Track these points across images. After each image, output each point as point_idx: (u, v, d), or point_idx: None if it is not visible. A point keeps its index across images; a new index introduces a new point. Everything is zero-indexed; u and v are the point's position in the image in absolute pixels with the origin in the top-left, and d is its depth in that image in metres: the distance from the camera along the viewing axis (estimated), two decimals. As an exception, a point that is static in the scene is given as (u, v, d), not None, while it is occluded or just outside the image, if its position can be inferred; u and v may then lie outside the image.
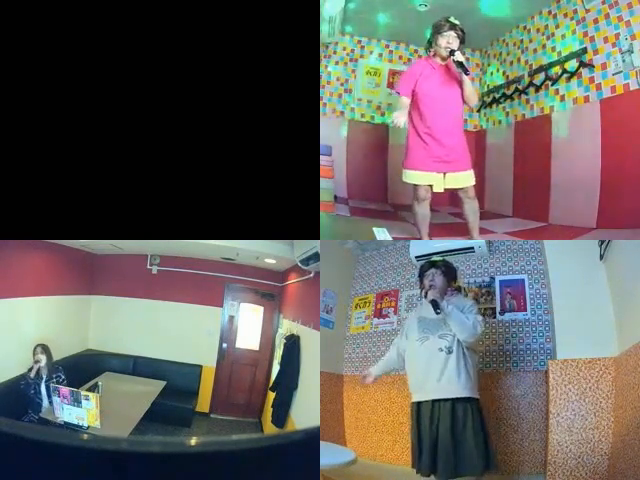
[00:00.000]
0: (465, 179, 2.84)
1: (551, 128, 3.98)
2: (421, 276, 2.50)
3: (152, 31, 1.92)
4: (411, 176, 2.83)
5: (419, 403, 2.34)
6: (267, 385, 4.74)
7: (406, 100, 2.78)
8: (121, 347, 4.82)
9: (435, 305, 2.29)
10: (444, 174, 2.80)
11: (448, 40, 2.66)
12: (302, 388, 3.60)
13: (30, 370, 3.20)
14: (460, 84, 2.75)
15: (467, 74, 2.67)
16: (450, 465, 2.13)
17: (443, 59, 2.74)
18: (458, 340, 2.27)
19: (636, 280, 2.18)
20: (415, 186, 2.86)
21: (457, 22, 2.67)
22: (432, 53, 2.77)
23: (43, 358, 3.23)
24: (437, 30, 2.70)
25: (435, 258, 2.61)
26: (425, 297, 2.38)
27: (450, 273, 2.49)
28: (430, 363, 2.30)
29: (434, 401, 2.26)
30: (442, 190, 2.85)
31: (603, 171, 3.41)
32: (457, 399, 2.23)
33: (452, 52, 2.64)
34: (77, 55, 1.89)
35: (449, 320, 2.29)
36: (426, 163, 2.78)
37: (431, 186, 2.83)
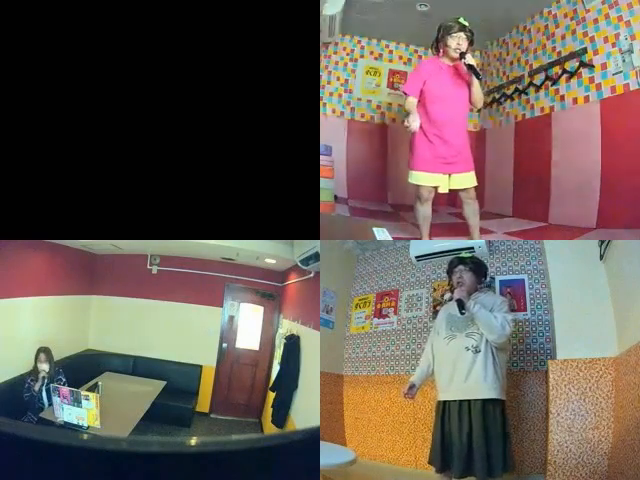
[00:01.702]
0: (468, 180, 2.84)
1: (551, 128, 3.98)
2: (449, 273, 2.47)
3: (152, 31, 1.92)
4: (418, 177, 2.81)
5: (445, 402, 2.32)
6: (267, 385, 4.74)
7: (414, 100, 2.75)
8: (121, 347, 4.82)
9: (460, 305, 2.26)
10: (449, 175, 2.80)
11: (458, 41, 2.62)
12: (302, 388, 3.60)
13: (33, 379, 3.17)
14: (468, 85, 2.74)
15: (479, 78, 2.66)
16: (485, 468, 2.12)
17: (452, 60, 2.71)
18: (487, 339, 2.24)
19: (636, 280, 2.18)
20: (418, 186, 2.85)
21: (466, 23, 2.64)
22: (440, 53, 2.74)
23: (46, 367, 3.21)
24: (447, 31, 2.65)
25: (464, 254, 2.54)
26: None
27: (479, 270, 2.45)
28: (457, 362, 2.28)
29: (461, 402, 2.24)
30: (447, 191, 2.84)
31: (603, 171, 3.41)
32: (485, 400, 2.20)
33: (463, 55, 2.61)
34: (77, 55, 1.89)
35: (476, 320, 2.26)
36: (433, 164, 2.77)
37: (436, 187, 2.83)
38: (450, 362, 2.32)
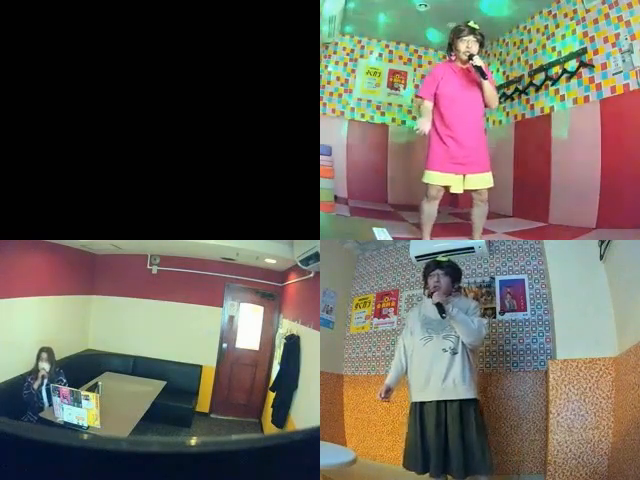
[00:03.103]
0: (483, 181, 2.85)
1: (551, 128, 3.98)
2: (425, 275, 2.48)
3: (152, 31, 1.92)
4: (431, 177, 2.85)
5: (422, 404, 2.32)
6: (267, 385, 4.74)
7: (429, 104, 2.80)
8: (121, 347, 4.82)
9: (441, 309, 2.28)
10: (464, 175, 2.82)
11: (467, 44, 2.67)
12: (302, 388, 3.60)
13: (33, 377, 3.17)
14: (481, 87, 2.76)
15: (485, 78, 2.68)
16: (462, 465, 2.14)
17: (463, 63, 2.75)
18: (462, 341, 2.27)
19: (636, 280, 2.18)
20: (428, 184, 2.88)
21: (476, 26, 2.70)
22: (453, 57, 2.80)
23: (47, 366, 3.21)
24: (457, 34, 2.71)
25: (440, 258, 2.57)
26: (430, 297, 2.37)
27: (455, 274, 2.47)
28: (433, 364, 2.29)
29: (439, 402, 2.26)
30: (461, 191, 2.86)
31: (603, 171, 3.41)
32: (463, 400, 2.23)
33: (471, 56, 2.66)
34: (77, 55, 1.89)
35: (454, 324, 2.28)
36: (445, 164, 2.80)
37: (447, 187, 2.85)
38: (427, 363, 2.33)
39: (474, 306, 2.41)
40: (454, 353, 2.27)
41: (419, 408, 2.33)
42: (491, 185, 2.88)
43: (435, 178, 2.84)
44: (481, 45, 2.72)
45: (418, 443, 2.29)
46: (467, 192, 2.90)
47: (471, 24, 2.70)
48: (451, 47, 2.79)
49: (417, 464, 2.28)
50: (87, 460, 0.65)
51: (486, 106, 2.86)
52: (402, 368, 2.48)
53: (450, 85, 2.77)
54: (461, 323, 2.27)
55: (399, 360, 2.50)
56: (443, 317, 2.27)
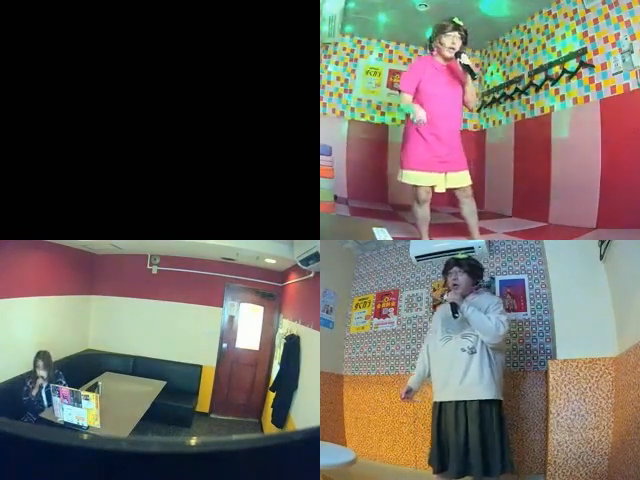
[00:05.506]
0: (464, 179, 2.84)
1: (551, 128, 3.98)
2: (445, 274, 2.46)
3: (152, 31, 1.92)
4: (413, 177, 2.81)
5: (441, 404, 2.32)
6: (267, 385, 4.74)
7: (409, 97, 2.75)
8: (121, 347, 4.82)
9: (454, 308, 2.26)
10: (445, 174, 2.79)
11: (452, 40, 2.64)
12: (302, 388, 3.60)
13: (32, 383, 3.16)
14: (462, 85, 2.74)
15: (474, 78, 2.66)
16: (481, 467, 2.12)
17: (445, 59, 2.72)
18: (482, 340, 2.24)
19: (636, 280, 2.18)
20: (415, 188, 2.84)
21: (461, 23, 2.66)
22: (435, 53, 2.75)
23: (44, 373, 3.18)
24: (441, 30, 2.67)
25: (460, 255, 2.51)
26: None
27: (474, 271, 2.43)
28: (453, 363, 2.28)
29: (457, 402, 2.24)
30: (444, 190, 2.84)
31: (603, 171, 3.41)
32: (482, 401, 2.20)
33: (458, 54, 2.63)
34: (77, 55, 1.89)
35: (470, 322, 2.26)
36: (429, 163, 2.76)
37: (432, 187, 2.83)
38: (446, 363, 2.31)
39: (495, 302, 2.34)
40: (472, 353, 2.23)
41: (438, 408, 2.32)
42: (470, 182, 2.86)
43: (419, 178, 2.79)
44: (464, 42, 2.68)
45: (435, 443, 2.28)
46: (449, 191, 2.87)
47: (455, 20, 2.66)
48: (432, 42, 2.74)
49: (435, 464, 2.27)
50: (87, 460, 0.65)
51: (465, 105, 2.83)
52: (424, 369, 2.46)
53: (433, 82, 2.73)
54: (475, 322, 2.23)
55: (421, 361, 2.49)
56: (455, 317, 2.26)
